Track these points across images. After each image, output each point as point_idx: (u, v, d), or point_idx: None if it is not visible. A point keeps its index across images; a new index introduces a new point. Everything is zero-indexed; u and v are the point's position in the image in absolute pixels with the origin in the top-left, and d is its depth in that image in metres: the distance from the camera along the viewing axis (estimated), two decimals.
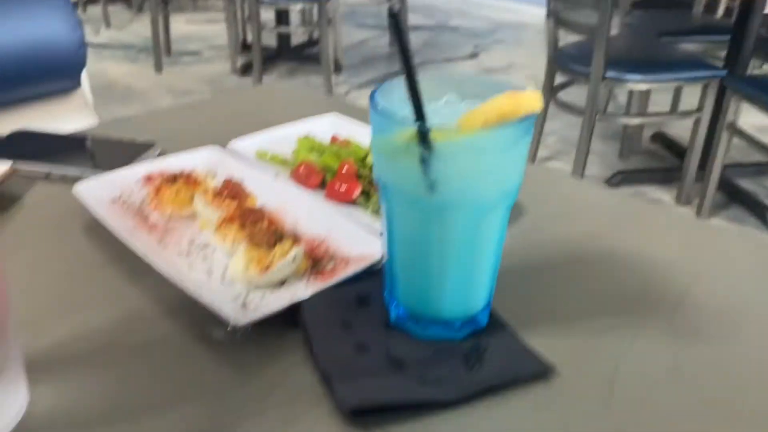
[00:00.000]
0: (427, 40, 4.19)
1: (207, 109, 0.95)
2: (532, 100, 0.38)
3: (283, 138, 0.76)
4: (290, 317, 0.48)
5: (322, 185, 0.67)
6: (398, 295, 0.48)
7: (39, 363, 0.45)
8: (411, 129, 0.39)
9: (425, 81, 0.46)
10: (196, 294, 0.48)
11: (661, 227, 0.64)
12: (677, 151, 2.59)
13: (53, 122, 1.42)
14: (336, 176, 0.67)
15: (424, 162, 0.40)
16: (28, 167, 0.71)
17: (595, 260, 0.58)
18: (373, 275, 0.52)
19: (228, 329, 0.46)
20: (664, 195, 2.36)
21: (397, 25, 0.38)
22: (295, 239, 0.53)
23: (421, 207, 0.42)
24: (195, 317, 0.49)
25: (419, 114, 0.40)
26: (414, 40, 4.07)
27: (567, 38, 2.35)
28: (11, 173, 0.68)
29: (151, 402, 0.42)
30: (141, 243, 0.55)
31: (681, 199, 2.30)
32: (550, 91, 2.39)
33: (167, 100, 3.20)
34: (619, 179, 2.45)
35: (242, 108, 0.94)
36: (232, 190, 0.59)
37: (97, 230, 0.60)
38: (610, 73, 2.11)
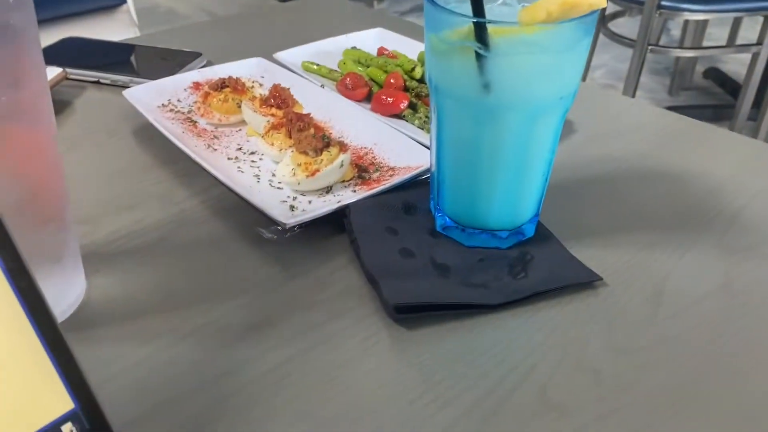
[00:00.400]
0: None
1: (252, 22, 0.94)
2: None
3: (329, 50, 0.75)
4: (337, 222, 0.49)
5: (369, 97, 0.66)
6: (445, 205, 0.47)
7: (95, 254, 0.46)
8: (468, 25, 0.38)
9: None
10: (246, 195, 0.49)
11: (716, 146, 0.62)
12: (731, 87, 2.49)
13: (102, 36, 1.43)
14: (382, 88, 0.66)
15: (480, 60, 0.39)
16: (78, 73, 0.71)
17: (646, 178, 0.56)
18: (419, 185, 0.52)
19: (279, 229, 0.47)
20: None
21: None
22: (342, 146, 0.53)
23: (474, 109, 0.41)
24: (244, 218, 0.50)
25: (478, 8, 0.38)
26: None
27: None
28: (62, 78, 0.68)
29: (203, 294, 0.43)
30: (191, 147, 0.56)
31: None
32: (601, 21, 2.29)
33: None
34: None
35: (287, 22, 0.93)
36: (279, 97, 0.59)
37: (146, 134, 0.61)
38: (666, 2, 2.02)
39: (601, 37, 2.31)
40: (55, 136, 0.39)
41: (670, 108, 2.35)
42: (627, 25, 2.62)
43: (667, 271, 0.46)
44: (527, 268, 0.45)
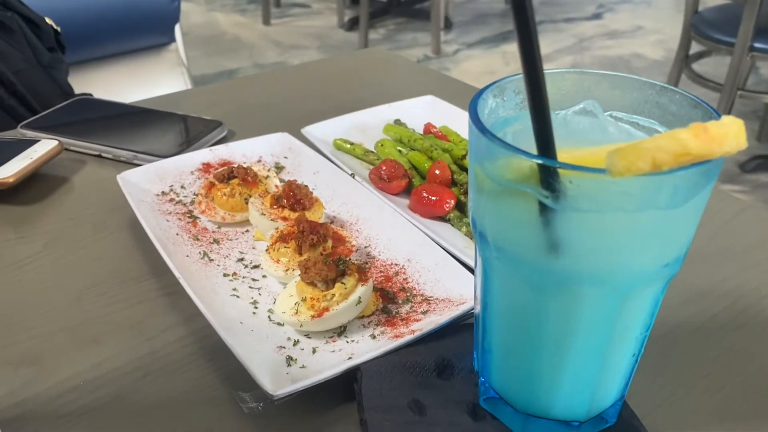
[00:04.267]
0: None
1: (293, 79, 0.84)
2: (731, 136, 0.23)
3: (368, 123, 0.63)
4: (345, 382, 0.37)
5: (408, 189, 0.54)
6: (491, 375, 0.35)
7: (32, 417, 0.36)
8: (530, 162, 0.26)
9: (556, 77, 0.33)
10: (232, 341, 0.37)
11: None
12: None
13: (146, 77, 1.38)
14: (425, 181, 0.54)
15: (546, 212, 0.26)
16: (79, 145, 0.62)
17: (759, 325, 0.42)
18: (460, 330, 0.40)
19: (267, 398, 0.35)
20: None
21: (522, 5, 0.23)
22: (362, 275, 0.41)
23: (536, 274, 0.28)
24: (228, 366, 0.39)
25: (544, 144, 0.26)
26: None
27: (708, 1, 2.06)
28: (58, 151, 0.59)
29: None
30: (179, 258, 0.45)
31: None
32: (684, 61, 2.11)
33: (273, 54, 3.13)
34: (755, 165, 2.15)
35: (328, 79, 0.82)
36: (293, 197, 0.48)
37: (140, 228, 0.51)
38: (759, 44, 1.83)
39: (683, 78, 2.13)
40: None
41: (759, 156, 2.13)
42: (710, 63, 2.42)
43: None
44: None
